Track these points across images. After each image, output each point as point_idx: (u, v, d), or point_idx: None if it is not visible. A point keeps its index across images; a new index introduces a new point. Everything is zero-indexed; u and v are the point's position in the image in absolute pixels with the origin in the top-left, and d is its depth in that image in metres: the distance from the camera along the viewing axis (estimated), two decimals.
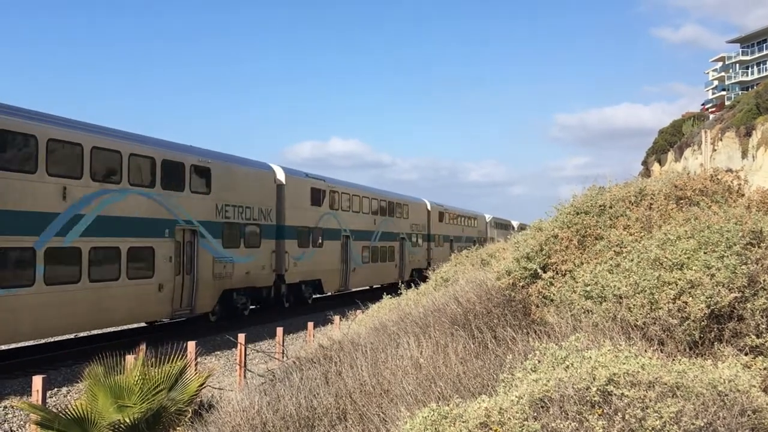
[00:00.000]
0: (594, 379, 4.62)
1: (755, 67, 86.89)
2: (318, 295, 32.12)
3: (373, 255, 37.16)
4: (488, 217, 67.30)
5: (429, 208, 47.42)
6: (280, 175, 27.35)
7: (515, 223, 78.52)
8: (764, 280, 6.13)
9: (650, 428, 4.20)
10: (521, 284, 8.13)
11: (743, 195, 8.56)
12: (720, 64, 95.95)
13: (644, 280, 6.42)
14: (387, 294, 15.55)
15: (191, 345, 12.13)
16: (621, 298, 6.49)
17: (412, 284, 17.00)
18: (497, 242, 24.47)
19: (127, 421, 7.61)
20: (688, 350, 5.92)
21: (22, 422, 12.38)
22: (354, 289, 34.73)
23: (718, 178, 8.85)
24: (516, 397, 4.66)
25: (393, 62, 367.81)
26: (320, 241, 30.38)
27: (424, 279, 17.81)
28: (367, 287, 37.46)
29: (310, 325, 17.72)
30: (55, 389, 14.41)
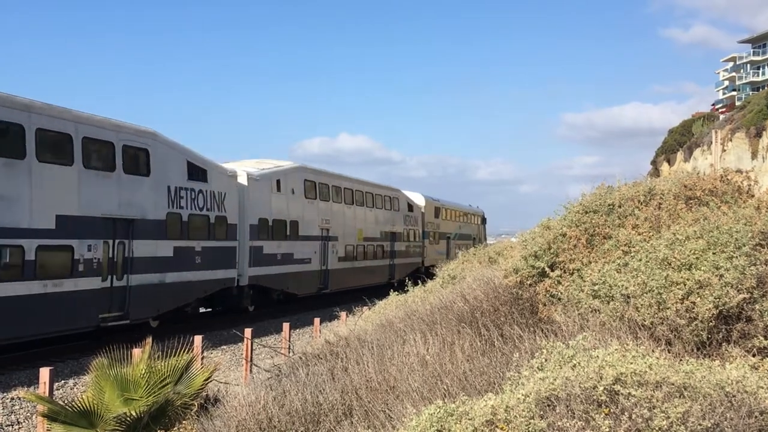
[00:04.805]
0: (601, 378, 4.61)
1: (766, 67, 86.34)
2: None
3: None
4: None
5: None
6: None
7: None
8: None
9: (657, 428, 4.18)
10: (529, 282, 8.12)
11: (753, 196, 8.53)
12: (731, 64, 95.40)
13: (652, 279, 6.40)
14: (376, 296, 15.40)
15: (198, 339, 12.17)
16: (629, 297, 6.48)
17: (409, 282, 15.94)
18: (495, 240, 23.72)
19: (133, 414, 7.64)
20: (695, 351, 5.90)
21: (28, 414, 12.44)
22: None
23: (727, 179, 8.81)
24: (522, 395, 4.65)
25: (403, 61, 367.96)
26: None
27: (418, 279, 17.65)
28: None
29: (317, 321, 17.76)
30: (62, 381, 14.48)
